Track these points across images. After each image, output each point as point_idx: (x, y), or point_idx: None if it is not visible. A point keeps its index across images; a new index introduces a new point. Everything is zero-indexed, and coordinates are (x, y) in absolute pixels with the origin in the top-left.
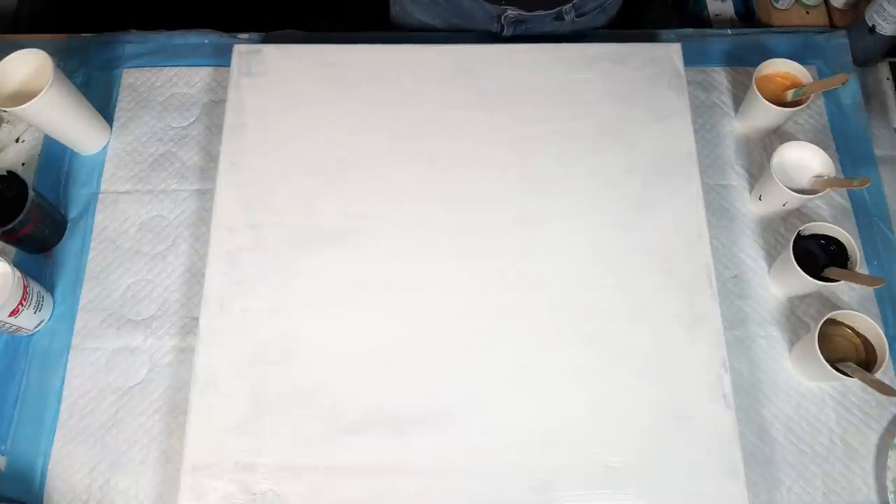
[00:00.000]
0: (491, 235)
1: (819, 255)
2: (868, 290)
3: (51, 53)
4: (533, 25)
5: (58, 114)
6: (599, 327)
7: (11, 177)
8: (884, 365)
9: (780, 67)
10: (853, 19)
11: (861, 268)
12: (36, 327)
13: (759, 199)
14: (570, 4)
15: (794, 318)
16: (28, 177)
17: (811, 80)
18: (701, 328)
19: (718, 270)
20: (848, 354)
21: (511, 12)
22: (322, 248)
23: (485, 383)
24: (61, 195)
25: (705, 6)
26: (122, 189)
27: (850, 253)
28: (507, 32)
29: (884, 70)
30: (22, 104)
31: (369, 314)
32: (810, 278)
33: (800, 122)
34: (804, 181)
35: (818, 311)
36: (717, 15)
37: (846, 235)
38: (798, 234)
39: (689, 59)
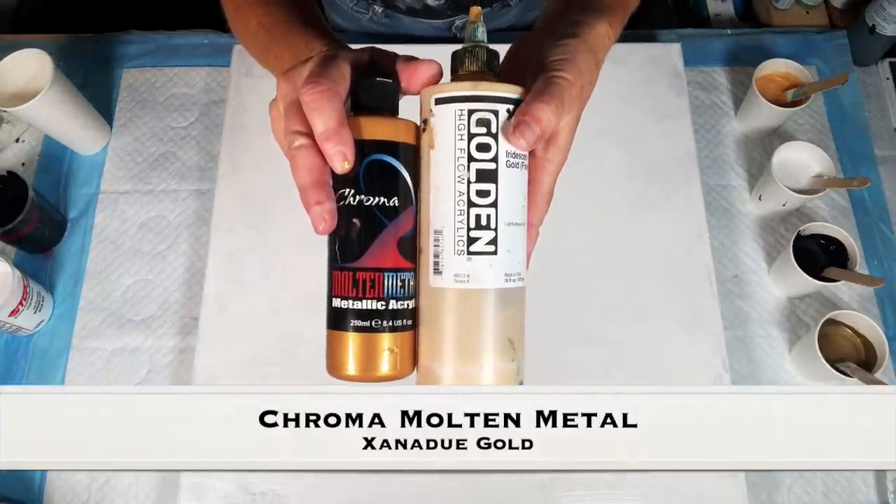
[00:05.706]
0: None
1: (819, 255)
2: (868, 290)
3: (51, 53)
4: (487, 23)
5: (58, 114)
6: (599, 327)
7: (11, 177)
8: (884, 365)
9: (780, 67)
10: (853, 19)
11: (861, 268)
12: (36, 327)
13: (759, 199)
14: None
15: (794, 318)
16: (28, 177)
17: (811, 80)
18: (701, 328)
19: (718, 270)
20: (848, 354)
21: (459, 21)
22: (321, 248)
23: None
24: (61, 195)
25: (705, 6)
26: (122, 189)
27: (850, 253)
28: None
29: (884, 70)
30: (22, 104)
31: None
32: (810, 278)
33: (800, 122)
34: (804, 181)
35: (818, 311)
36: (717, 15)
37: (846, 235)
38: (798, 234)
39: (689, 59)
